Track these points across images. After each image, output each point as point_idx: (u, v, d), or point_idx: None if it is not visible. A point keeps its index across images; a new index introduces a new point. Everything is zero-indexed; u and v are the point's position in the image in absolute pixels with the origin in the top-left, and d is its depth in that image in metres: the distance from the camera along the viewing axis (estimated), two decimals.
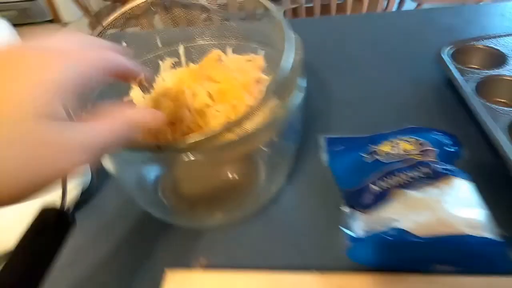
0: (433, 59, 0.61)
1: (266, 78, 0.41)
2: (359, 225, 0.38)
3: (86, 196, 0.47)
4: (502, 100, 0.54)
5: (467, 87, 0.51)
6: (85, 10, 1.97)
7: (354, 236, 0.35)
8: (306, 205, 0.44)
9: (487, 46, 0.59)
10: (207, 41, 0.46)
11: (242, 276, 0.37)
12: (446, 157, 0.43)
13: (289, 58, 0.33)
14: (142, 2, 0.43)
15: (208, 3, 0.44)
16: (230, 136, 0.31)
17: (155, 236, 0.43)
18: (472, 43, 0.60)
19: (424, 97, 0.59)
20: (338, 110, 0.58)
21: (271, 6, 0.38)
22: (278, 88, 0.32)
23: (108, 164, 0.38)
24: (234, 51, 0.44)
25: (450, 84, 0.59)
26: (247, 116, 0.31)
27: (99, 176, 0.48)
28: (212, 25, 0.45)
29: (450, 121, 0.54)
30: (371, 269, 0.35)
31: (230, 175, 0.43)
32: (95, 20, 2.01)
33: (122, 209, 0.47)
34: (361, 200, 0.41)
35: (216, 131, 0.30)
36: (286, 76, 0.33)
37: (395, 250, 0.34)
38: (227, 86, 0.39)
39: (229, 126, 0.30)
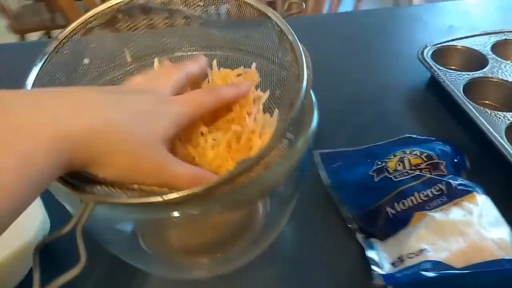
0: (411, 61, 0.59)
1: (263, 95, 0.35)
2: (383, 256, 0.34)
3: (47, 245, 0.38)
4: (488, 102, 0.53)
5: (457, 91, 0.49)
6: (2, 10, 1.76)
7: (385, 273, 0.31)
8: (313, 235, 0.39)
9: (466, 47, 0.58)
10: (186, 53, 0.39)
11: None
12: (454, 168, 0.41)
13: (305, 78, 0.28)
14: (106, 8, 0.35)
15: (187, 8, 0.37)
16: (242, 181, 0.25)
17: None
18: (449, 44, 0.59)
19: (407, 102, 0.57)
20: (322, 120, 0.53)
21: (270, 11, 0.33)
22: (296, 115, 0.27)
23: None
24: (220, 64, 0.38)
25: (432, 86, 0.57)
26: (264, 153, 0.25)
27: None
28: (192, 34, 0.39)
29: (439, 127, 0.52)
30: None
31: (228, 217, 0.37)
32: (14, 21, 1.80)
33: (92, 259, 0.38)
34: (377, 225, 0.37)
35: (227, 175, 0.24)
36: (304, 100, 0.27)
37: (434, 285, 0.30)
38: (221, 108, 0.33)
39: (242, 170, 0.24)
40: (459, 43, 0.59)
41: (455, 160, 0.42)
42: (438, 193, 0.37)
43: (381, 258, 0.34)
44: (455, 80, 0.52)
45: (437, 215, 0.35)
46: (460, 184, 0.37)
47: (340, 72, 0.63)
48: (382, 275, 0.31)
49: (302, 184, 0.34)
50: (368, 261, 0.34)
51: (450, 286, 0.31)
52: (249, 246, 0.36)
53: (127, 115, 0.22)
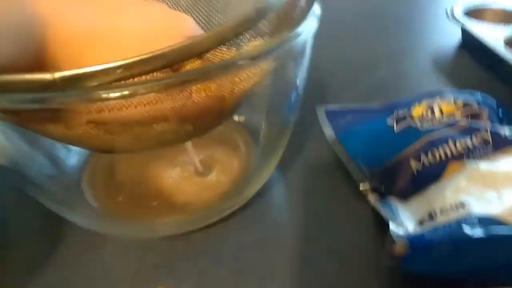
0: (436, 21, 0.51)
1: None
2: (406, 216, 0.25)
3: None
4: None
5: (498, 45, 0.40)
6: None
7: (410, 235, 0.22)
8: (311, 198, 0.30)
9: (500, 8, 0.50)
10: None
11: None
12: (497, 120, 0.31)
13: None
14: None
15: None
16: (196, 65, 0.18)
17: (78, 256, 0.27)
18: (481, 5, 0.51)
19: (432, 62, 0.47)
20: (334, 77, 0.45)
21: None
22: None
23: None
24: None
25: (465, 46, 0.48)
26: (231, 31, 0.17)
27: None
28: None
29: (475, 85, 0.42)
30: (435, 283, 0.22)
31: (197, 157, 0.28)
32: None
33: (18, 214, 0.30)
34: (397, 183, 0.28)
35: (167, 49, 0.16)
36: None
37: (479, 249, 0.21)
38: None
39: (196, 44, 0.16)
40: (492, 4, 0.50)
41: (499, 113, 0.32)
42: (480, 143, 0.27)
43: (402, 218, 0.24)
44: (493, 35, 0.43)
45: (482, 164, 0.25)
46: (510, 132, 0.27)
47: (352, 32, 0.55)
48: (406, 237, 0.21)
49: (289, 120, 0.25)
50: (383, 230, 0.25)
51: (502, 250, 0.21)
52: (223, 198, 0.27)
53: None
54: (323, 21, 0.23)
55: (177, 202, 0.27)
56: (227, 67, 0.18)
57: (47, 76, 0.15)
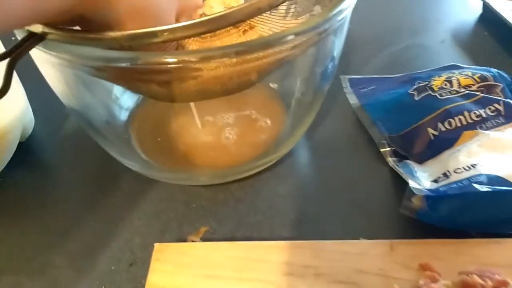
0: None
1: None
2: (422, 176, 0.28)
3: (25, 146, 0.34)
4: None
5: None
6: None
7: (426, 189, 0.25)
8: (335, 158, 0.33)
9: None
10: None
11: (259, 247, 0.25)
12: (510, 94, 0.34)
13: None
14: None
15: None
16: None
17: (132, 198, 0.31)
18: None
19: (452, 36, 0.49)
20: (356, 48, 0.47)
21: None
22: None
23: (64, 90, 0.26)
24: None
25: (484, 21, 0.50)
26: None
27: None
28: None
29: (491, 62, 0.44)
30: (445, 232, 0.25)
31: (237, 115, 0.31)
32: None
33: (79, 159, 0.34)
34: (415, 148, 0.31)
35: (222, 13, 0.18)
36: None
37: (486, 205, 0.24)
38: None
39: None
40: None
41: None
42: (493, 113, 0.30)
43: (419, 177, 0.28)
44: None
45: (493, 133, 0.28)
46: None
47: (375, 3, 0.56)
48: (423, 190, 0.25)
49: (324, 87, 0.28)
50: (400, 188, 0.29)
51: (506, 206, 0.24)
52: (260, 153, 0.31)
53: None
54: None
55: (219, 156, 0.31)
56: (279, 39, 0.20)
57: (113, 34, 0.18)
